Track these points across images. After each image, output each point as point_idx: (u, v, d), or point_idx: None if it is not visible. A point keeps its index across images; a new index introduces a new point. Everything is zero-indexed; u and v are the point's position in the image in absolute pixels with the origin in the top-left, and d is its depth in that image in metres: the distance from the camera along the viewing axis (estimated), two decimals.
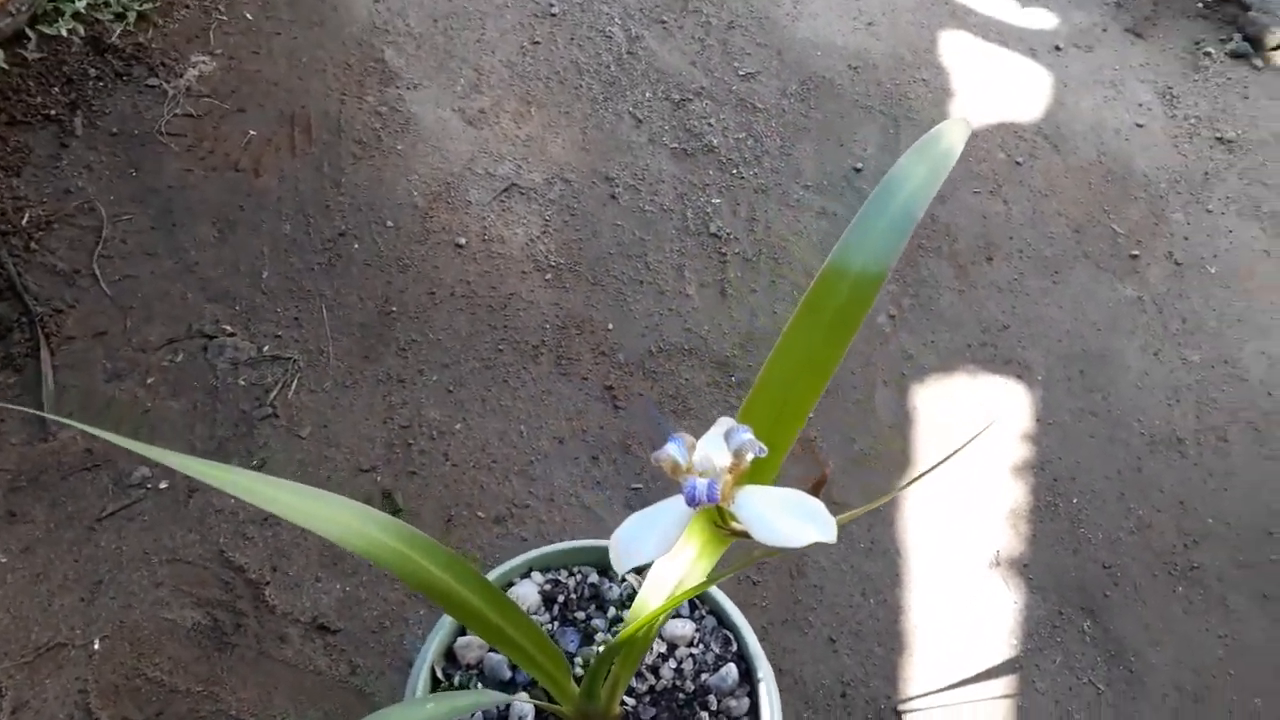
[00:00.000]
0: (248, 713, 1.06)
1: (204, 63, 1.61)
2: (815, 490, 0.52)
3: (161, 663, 1.09)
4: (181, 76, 1.58)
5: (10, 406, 1.25)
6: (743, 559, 0.63)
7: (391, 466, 1.23)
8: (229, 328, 1.34)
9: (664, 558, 0.68)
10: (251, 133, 1.54)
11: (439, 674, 0.86)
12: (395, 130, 1.57)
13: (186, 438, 1.25)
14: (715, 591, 0.91)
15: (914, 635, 1.15)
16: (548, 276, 1.41)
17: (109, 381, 1.29)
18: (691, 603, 0.91)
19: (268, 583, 1.15)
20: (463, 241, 1.44)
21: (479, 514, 1.20)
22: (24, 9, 1.53)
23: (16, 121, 1.48)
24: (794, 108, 1.65)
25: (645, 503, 1.21)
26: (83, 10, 1.59)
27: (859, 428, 1.29)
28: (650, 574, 0.70)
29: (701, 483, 0.48)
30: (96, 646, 1.10)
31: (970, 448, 1.29)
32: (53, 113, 1.50)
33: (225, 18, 1.67)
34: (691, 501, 0.47)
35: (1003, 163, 1.60)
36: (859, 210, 0.63)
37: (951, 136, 0.66)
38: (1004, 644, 1.15)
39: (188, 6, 1.67)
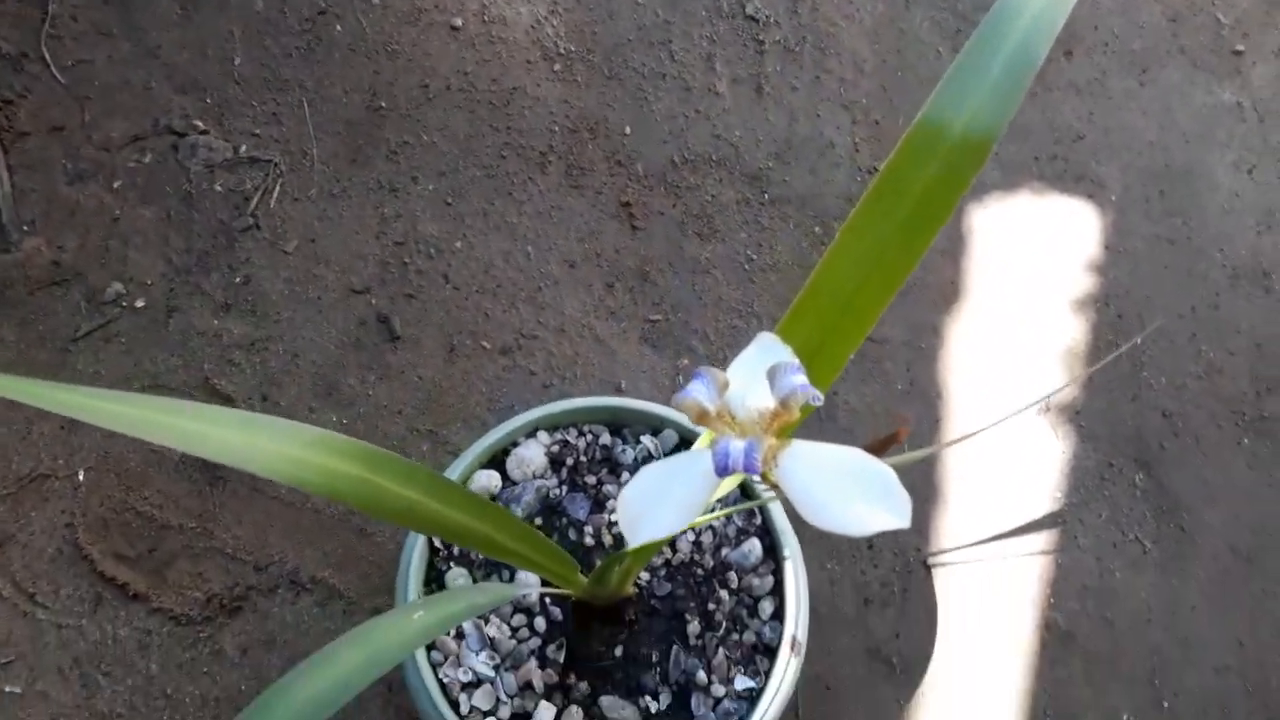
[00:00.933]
0: (243, 551, 1.02)
1: None
2: (884, 448, 0.41)
3: (151, 496, 1.04)
4: None
5: None
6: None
7: (387, 288, 1.13)
8: (200, 124, 1.20)
9: None
10: None
11: (436, 544, 0.80)
12: None
13: (161, 249, 1.14)
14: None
15: (949, 485, 1.07)
16: (556, 67, 1.24)
17: (71, 184, 1.16)
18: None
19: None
20: (459, 23, 1.26)
21: (484, 344, 1.11)
22: None
23: None
24: None
25: (664, 338, 1.11)
26: None
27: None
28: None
29: (737, 445, 0.37)
30: (81, 478, 1.05)
31: (1026, 278, 1.16)
32: None
33: None
34: (723, 470, 0.37)
35: None
36: (959, 57, 0.48)
37: None
38: (1047, 496, 1.07)
39: None
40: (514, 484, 0.82)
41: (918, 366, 1.12)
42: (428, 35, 1.25)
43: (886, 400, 1.10)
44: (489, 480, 0.81)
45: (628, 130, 1.21)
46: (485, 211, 1.16)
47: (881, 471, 0.37)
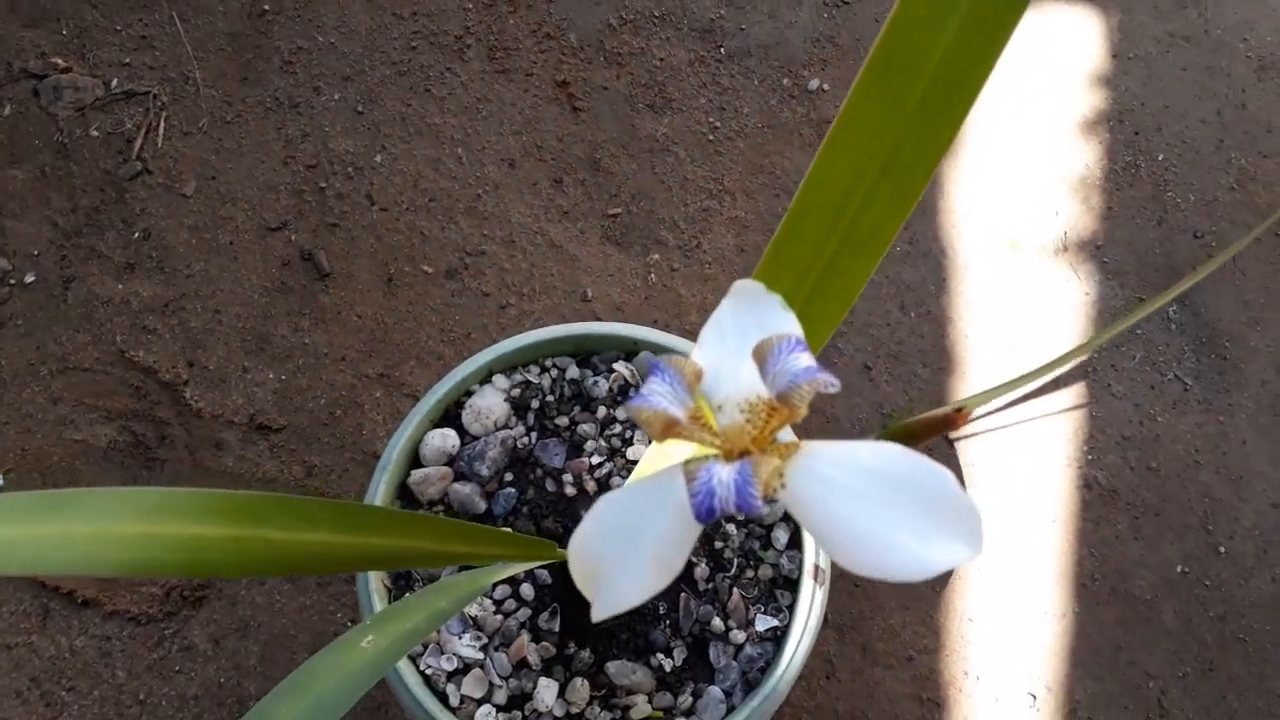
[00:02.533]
0: None
1: None
2: (931, 434, 0.31)
3: None
4: None
5: None
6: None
7: (306, 220, 1.00)
8: (60, 61, 1.05)
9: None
10: None
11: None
12: None
13: (43, 213, 1.01)
14: None
15: (964, 349, 0.98)
16: None
17: None
18: None
19: (185, 382, 0.97)
20: None
21: (424, 269, 0.99)
22: None
23: None
24: None
25: (628, 233, 0.99)
26: None
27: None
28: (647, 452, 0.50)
29: (724, 475, 0.26)
30: (1, 482, 0.95)
31: (1027, 104, 1.04)
32: None
33: None
34: (707, 514, 0.26)
35: None
36: None
37: None
38: (1074, 344, 0.98)
39: None
40: (474, 439, 0.72)
41: (915, 222, 1.00)
42: None
43: (886, 266, 0.99)
44: (444, 441, 0.71)
45: None
46: (403, 115, 1.03)
47: (936, 476, 0.26)
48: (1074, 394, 0.97)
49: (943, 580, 0.92)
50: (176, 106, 1.03)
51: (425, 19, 1.05)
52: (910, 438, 0.28)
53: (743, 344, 0.30)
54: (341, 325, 0.98)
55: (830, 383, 0.26)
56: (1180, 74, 1.04)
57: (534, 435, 0.73)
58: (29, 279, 0.99)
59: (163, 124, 1.03)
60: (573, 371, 0.74)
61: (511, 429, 0.73)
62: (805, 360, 0.27)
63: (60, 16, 1.06)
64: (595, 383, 0.73)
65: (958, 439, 0.96)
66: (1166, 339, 0.98)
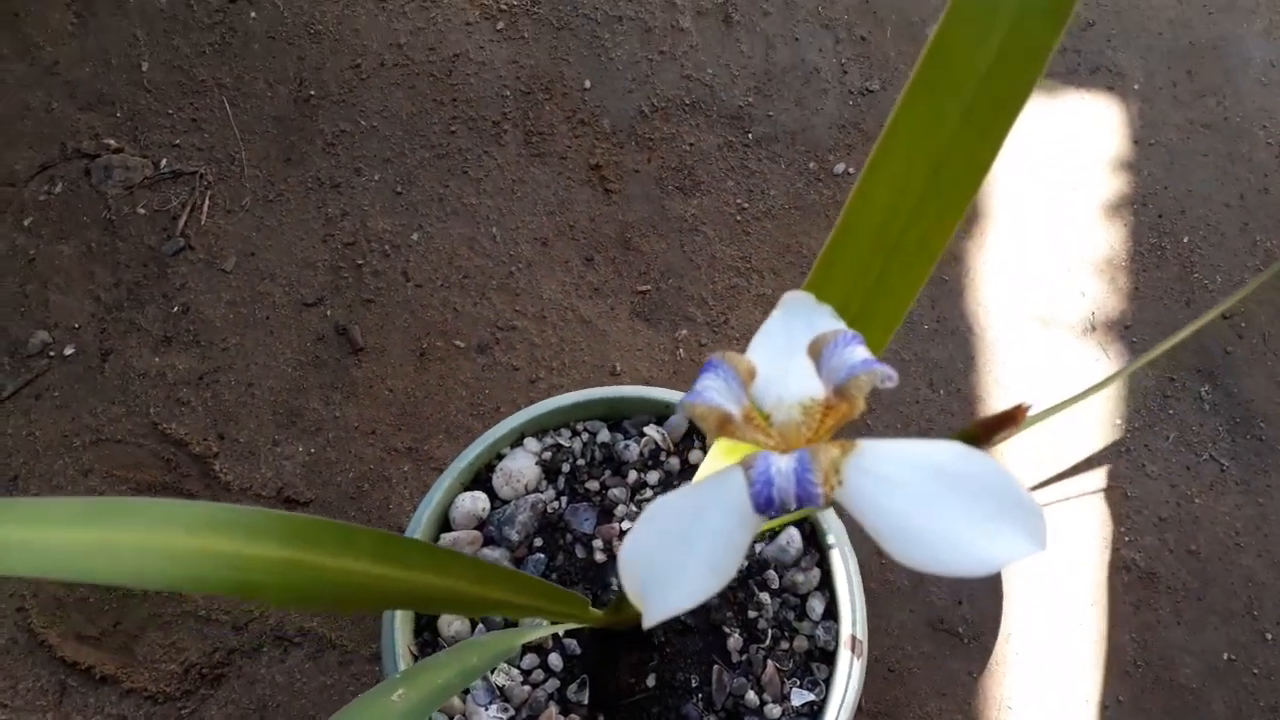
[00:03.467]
0: (218, 611, 0.92)
1: None
2: (991, 434, 0.31)
3: None
4: None
5: None
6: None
7: (342, 295, 1.02)
8: (112, 141, 1.09)
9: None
10: None
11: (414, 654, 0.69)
12: None
13: (86, 287, 1.04)
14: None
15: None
16: (500, 25, 1.13)
17: None
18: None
19: (216, 454, 0.97)
20: None
21: (456, 343, 1.00)
22: None
23: None
24: None
25: (657, 310, 1.01)
26: None
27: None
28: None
29: (783, 465, 0.26)
30: None
31: (1050, 188, 1.06)
32: None
33: None
34: (766, 504, 0.26)
35: None
36: None
37: None
38: (1106, 425, 0.97)
39: None
40: (504, 504, 0.72)
41: (944, 302, 1.01)
42: (352, 10, 1.14)
43: (914, 344, 1.00)
44: (474, 504, 0.71)
45: (587, 84, 1.10)
46: (440, 196, 1.06)
47: (997, 473, 0.26)
48: (1109, 473, 0.96)
49: (979, 664, 0.90)
50: (221, 185, 1.07)
51: (464, 105, 1.09)
52: (971, 442, 0.28)
53: (793, 349, 0.30)
54: (373, 399, 0.99)
55: (888, 375, 0.27)
56: (1202, 159, 1.06)
57: (564, 499, 0.72)
58: (68, 351, 1.01)
59: (207, 202, 1.06)
60: (604, 435, 0.74)
61: (542, 493, 0.73)
62: (862, 353, 0.27)
63: (115, 100, 1.10)
64: (626, 446, 0.73)
65: None
66: (1200, 420, 0.97)
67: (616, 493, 0.72)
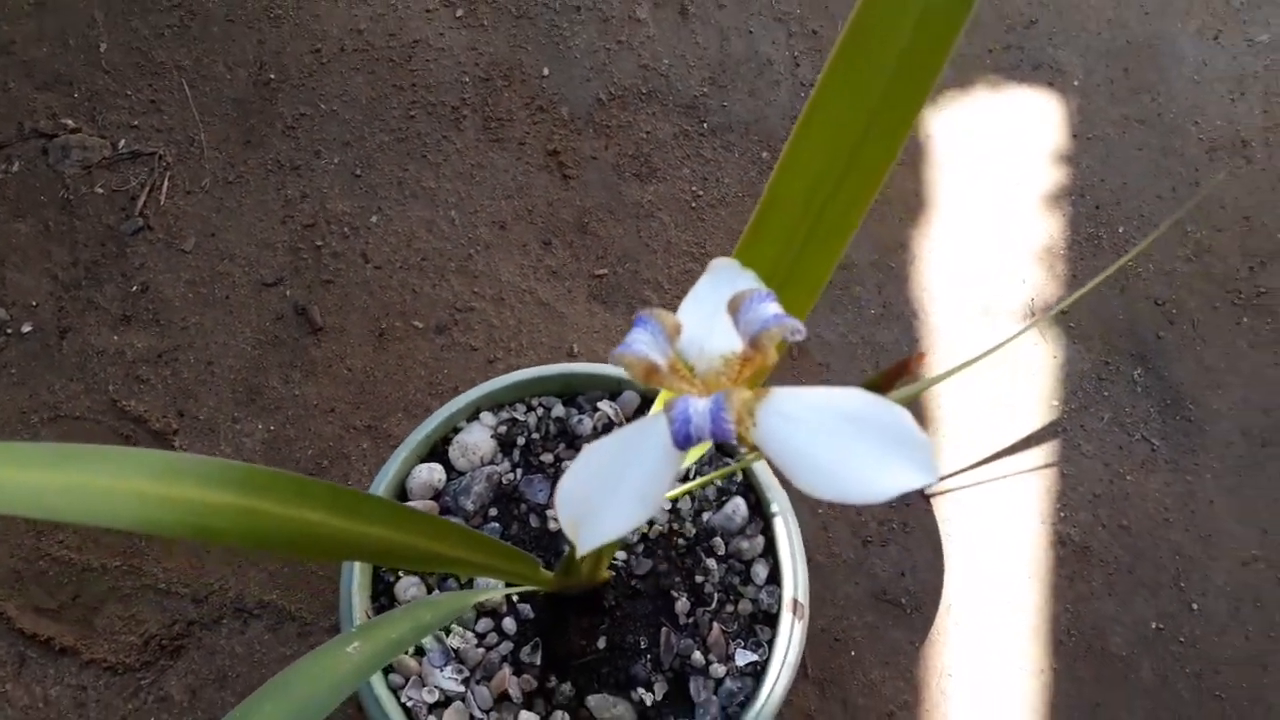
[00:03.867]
0: (178, 583, 0.93)
1: None
2: (890, 383, 0.34)
3: (66, 539, 0.95)
4: None
5: None
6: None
7: (301, 276, 1.04)
8: (70, 122, 1.09)
9: None
10: None
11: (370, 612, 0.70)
12: None
13: (44, 266, 1.04)
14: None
15: (937, 410, 1.01)
16: (459, 13, 1.14)
17: None
18: None
19: (175, 431, 0.98)
20: None
21: (415, 324, 1.02)
22: None
23: None
24: None
25: (613, 292, 1.03)
26: None
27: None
28: None
29: (699, 406, 0.29)
30: None
31: (993, 180, 1.10)
32: None
33: None
34: (685, 440, 0.29)
35: None
36: None
37: None
38: (1043, 406, 1.01)
39: None
40: (460, 475, 0.74)
41: (890, 288, 1.05)
42: None
43: (861, 328, 1.03)
44: (430, 474, 0.73)
45: (546, 72, 1.12)
46: (399, 180, 1.07)
47: (892, 413, 0.29)
48: (1046, 452, 1.00)
49: (921, 634, 0.94)
50: (181, 167, 1.08)
51: (424, 90, 1.11)
52: (874, 390, 0.31)
53: (717, 309, 0.33)
54: (331, 378, 1.00)
55: (797, 329, 0.29)
56: (1136, 154, 1.11)
57: (519, 471, 0.75)
58: (26, 329, 1.01)
59: (166, 183, 1.07)
60: (558, 410, 0.76)
61: (497, 465, 0.75)
62: (774, 309, 0.30)
63: (73, 81, 1.11)
64: (579, 420, 0.76)
65: (935, 495, 0.98)
66: (1133, 401, 1.02)
67: (570, 464, 0.75)
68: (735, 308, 0.31)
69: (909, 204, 1.08)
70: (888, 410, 0.29)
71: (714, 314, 0.34)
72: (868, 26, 0.39)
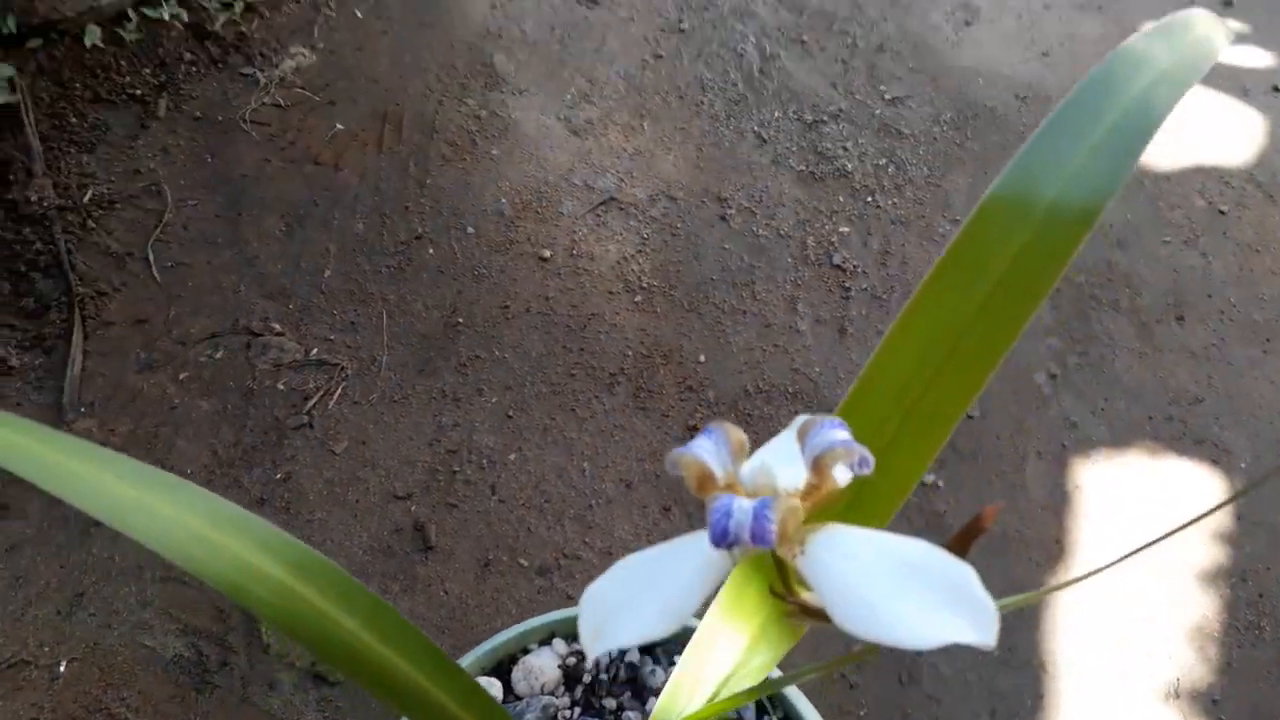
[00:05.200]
0: None
1: (303, 55, 1.54)
2: (964, 544, 0.31)
3: (129, 697, 0.94)
4: (277, 67, 1.51)
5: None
6: (834, 656, 0.40)
7: (430, 495, 1.07)
8: (278, 326, 1.22)
9: (704, 637, 0.47)
10: (339, 126, 1.44)
11: None
12: (492, 135, 1.44)
13: (209, 441, 1.12)
14: (792, 692, 0.69)
15: None
16: (637, 299, 1.24)
17: (140, 372, 1.17)
18: (759, 704, 0.69)
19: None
20: (548, 254, 1.28)
21: (520, 561, 1.01)
22: None
23: (100, 99, 1.43)
24: (946, 136, 1.45)
25: None
26: None
27: (1005, 505, 1.04)
28: (683, 659, 0.49)
29: (745, 502, 0.27)
30: (63, 669, 0.96)
31: (1142, 541, 1.03)
32: (139, 93, 1.44)
33: (334, 14, 1.61)
34: (722, 538, 0.27)
35: (1202, 210, 1.34)
36: (1049, 117, 0.43)
37: (1206, 27, 0.44)
38: None
39: (297, 1, 1.62)
40: (518, 699, 0.70)
41: (1020, 631, 0.97)
42: (516, 263, 1.28)
43: (980, 668, 0.94)
44: (488, 687, 0.69)
45: (702, 359, 1.17)
46: (546, 426, 1.12)
47: (958, 569, 0.27)
48: None
49: None
50: (357, 380, 1.16)
51: (589, 355, 1.17)
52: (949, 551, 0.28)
53: (790, 448, 0.32)
54: (428, 597, 0.99)
55: (865, 456, 0.27)
56: None
57: (578, 710, 0.70)
58: None
59: (339, 391, 1.15)
60: (633, 655, 0.72)
61: (557, 698, 0.70)
62: (843, 435, 0.28)
63: (293, 295, 1.25)
64: (653, 671, 0.71)
65: None
66: None
67: (631, 715, 0.69)
68: (804, 433, 0.30)
69: (1049, 549, 1.02)
70: (954, 565, 0.27)
71: (785, 456, 0.32)
72: (973, 240, 0.40)
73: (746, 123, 1.47)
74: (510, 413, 1.13)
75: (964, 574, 0.26)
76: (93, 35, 1.46)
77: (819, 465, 0.29)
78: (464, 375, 1.17)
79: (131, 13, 1.51)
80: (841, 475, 0.29)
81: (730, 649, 0.46)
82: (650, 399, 1.13)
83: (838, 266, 1.27)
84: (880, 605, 0.26)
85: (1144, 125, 0.41)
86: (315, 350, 1.19)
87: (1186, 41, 0.42)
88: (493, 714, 0.44)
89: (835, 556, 0.28)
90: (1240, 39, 1.63)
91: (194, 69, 1.49)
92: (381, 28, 1.60)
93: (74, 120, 1.39)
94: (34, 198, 1.30)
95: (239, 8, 1.57)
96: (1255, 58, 1.59)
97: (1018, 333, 0.40)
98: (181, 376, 1.17)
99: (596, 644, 0.30)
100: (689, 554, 0.30)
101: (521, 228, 1.31)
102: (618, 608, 0.30)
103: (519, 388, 1.15)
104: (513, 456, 1.09)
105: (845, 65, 1.56)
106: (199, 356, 1.19)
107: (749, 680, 0.44)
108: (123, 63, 1.47)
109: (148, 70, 1.47)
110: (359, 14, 1.61)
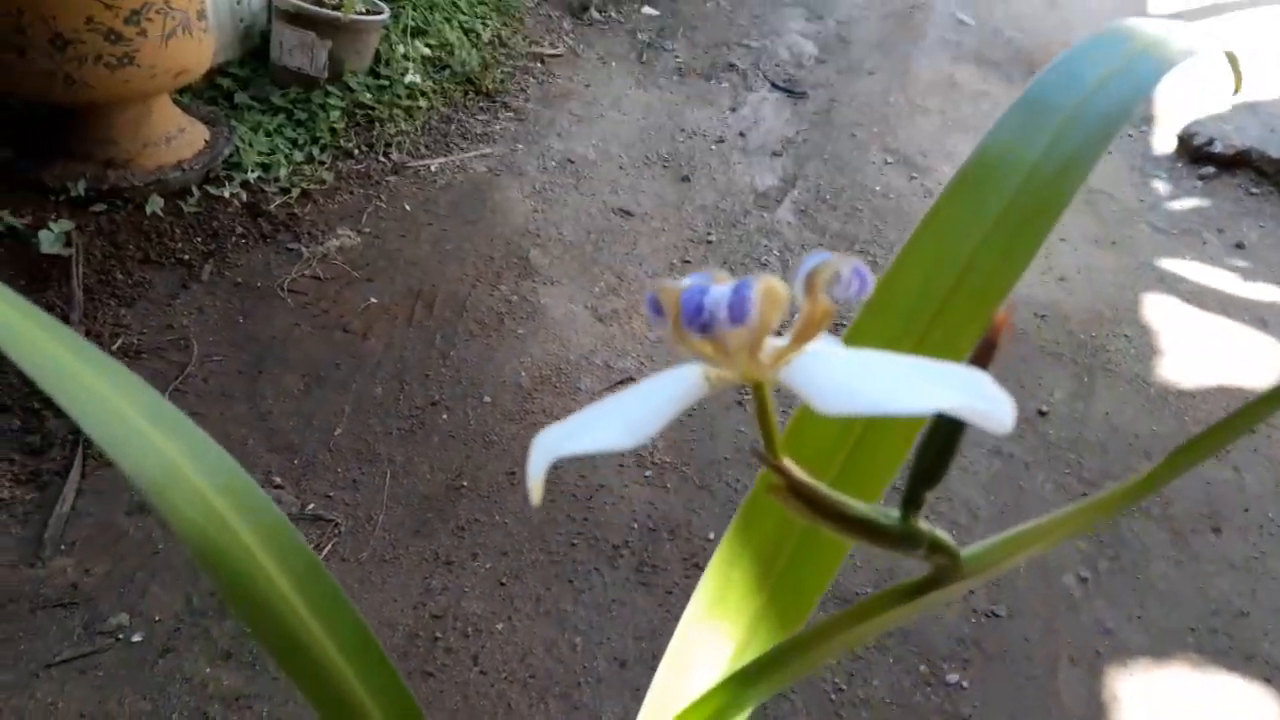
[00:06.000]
0: None
1: (349, 236, 1.56)
2: (987, 354, 0.24)
3: None
4: (322, 244, 1.53)
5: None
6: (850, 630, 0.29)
7: (406, 662, 0.95)
8: (279, 479, 1.15)
9: (678, 650, 0.38)
10: (372, 300, 1.43)
11: None
12: (520, 317, 1.42)
13: (185, 589, 1.02)
14: None
15: None
16: (648, 473, 1.16)
17: (129, 515, 1.09)
18: None
19: None
20: None
21: None
22: (198, 167, 1.54)
23: (149, 260, 1.43)
24: None
25: None
26: (252, 180, 1.60)
27: (1034, 712, 0.91)
28: (655, 685, 0.39)
29: (719, 286, 0.20)
30: None
31: None
32: (186, 258, 1.45)
33: (384, 204, 1.64)
34: (695, 315, 0.20)
35: None
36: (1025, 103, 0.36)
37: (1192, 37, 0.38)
38: None
39: (351, 192, 1.66)
40: None
41: None
42: (528, 432, 1.21)
43: None
44: None
45: (711, 536, 1.08)
46: (539, 596, 1.01)
47: (967, 369, 0.20)
48: None
49: None
50: (349, 537, 1.07)
51: (592, 526, 1.08)
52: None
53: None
54: None
55: (861, 278, 0.21)
56: None
57: None
58: (136, 638, 0.97)
59: (329, 547, 1.06)
60: None
61: None
62: (834, 258, 0.22)
63: (300, 451, 1.18)
64: None
65: None
66: None
67: None
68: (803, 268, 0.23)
69: None
70: (960, 367, 0.20)
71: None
72: (964, 189, 0.33)
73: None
74: (503, 580, 1.03)
75: (977, 374, 0.20)
76: (155, 204, 1.49)
77: (811, 282, 0.22)
78: (460, 538, 1.07)
79: (196, 189, 1.55)
80: (828, 299, 0.22)
81: (713, 661, 0.35)
82: (654, 574, 1.03)
83: None
84: (880, 375, 0.20)
85: (1137, 88, 0.35)
86: (312, 505, 1.11)
87: (1172, 31, 0.37)
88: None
89: (825, 359, 0.21)
90: (1249, 275, 1.61)
91: (243, 241, 1.51)
92: (427, 220, 1.63)
93: (120, 276, 1.39)
94: None
95: (295, 193, 1.61)
96: (1269, 294, 1.56)
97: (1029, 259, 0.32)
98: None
99: (538, 456, 0.22)
100: (654, 385, 0.23)
101: (538, 399, 1.26)
102: (572, 433, 0.23)
103: (516, 554, 1.05)
104: (500, 626, 0.98)
105: None
106: None
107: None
108: (177, 230, 1.49)
109: (199, 239, 1.49)
110: (408, 207, 1.65)
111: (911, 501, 0.24)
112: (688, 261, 1.59)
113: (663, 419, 0.21)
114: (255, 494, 0.33)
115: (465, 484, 1.14)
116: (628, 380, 1.29)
